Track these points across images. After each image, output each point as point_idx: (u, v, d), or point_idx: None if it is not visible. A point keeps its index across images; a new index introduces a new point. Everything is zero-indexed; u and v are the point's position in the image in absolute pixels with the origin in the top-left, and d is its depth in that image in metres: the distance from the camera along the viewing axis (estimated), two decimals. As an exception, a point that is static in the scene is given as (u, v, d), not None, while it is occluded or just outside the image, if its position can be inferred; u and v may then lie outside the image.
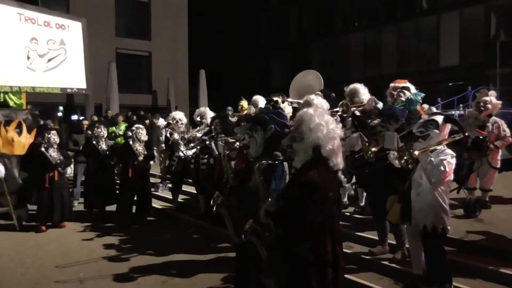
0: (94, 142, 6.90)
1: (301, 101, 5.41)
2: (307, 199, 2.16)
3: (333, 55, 26.32)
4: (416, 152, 3.23)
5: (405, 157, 3.23)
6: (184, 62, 21.56)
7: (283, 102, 6.11)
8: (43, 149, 6.21)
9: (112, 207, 7.04)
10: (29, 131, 7.04)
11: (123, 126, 9.84)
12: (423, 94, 4.74)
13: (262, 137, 2.89)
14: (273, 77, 29.71)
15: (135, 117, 12.03)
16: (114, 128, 9.95)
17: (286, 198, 2.30)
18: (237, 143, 4.32)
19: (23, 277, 4.56)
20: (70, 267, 4.81)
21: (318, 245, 2.20)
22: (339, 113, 5.09)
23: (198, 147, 6.19)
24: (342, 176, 5.19)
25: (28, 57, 8.19)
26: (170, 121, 7.07)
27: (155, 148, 8.34)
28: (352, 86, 5.46)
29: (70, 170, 7.72)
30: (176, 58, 20.84)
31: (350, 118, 5.21)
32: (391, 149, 3.73)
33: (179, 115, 7.12)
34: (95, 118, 10.17)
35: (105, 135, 7.10)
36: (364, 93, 5.35)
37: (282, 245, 2.27)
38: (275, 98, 6.32)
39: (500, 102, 5.51)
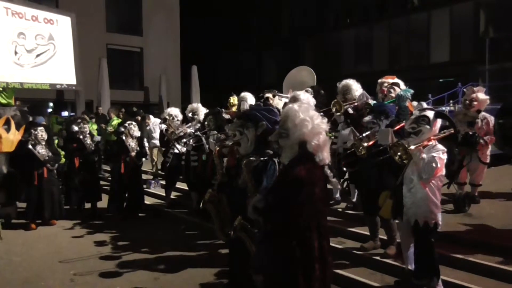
0: (81, 137, 6.85)
1: (291, 96, 5.40)
2: (294, 196, 2.15)
3: (324, 52, 26.35)
4: (412, 147, 3.24)
5: (399, 153, 3.24)
6: (176, 58, 21.41)
7: (274, 96, 6.10)
8: (30, 146, 6.12)
9: (103, 204, 6.99)
10: (17, 128, 6.93)
11: (115, 122, 9.74)
12: (412, 91, 4.77)
13: (253, 134, 2.87)
14: (265, 73, 29.68)
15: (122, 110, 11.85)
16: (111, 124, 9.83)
17: (273, 194, 2.29)
18: (227, 141, 4.31)
19: (12, 276, 4.50)
20: (61, 265, 4.76)
21: (305, 241, 2.19)
22: (332, 112, 5.11)
23: (191, 143, 6.16)
24: (329, 171, 5.20)
25: (16, 52, 8.07)
26: (166, 117, 7.02)
27: (146, 144, 8.30)
28: (344, 82, 5.45)
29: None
30: (168, 54, 20.69)
31: (342, 116, 5.22)
32: (385, 144, 3.74)
33: (175, 111, 7.07)
34: (86, 117, 10.07)
35: (88, 131, 7.07)
36: (356, 89, 5.35)
37: (269, 241, 2.26)
38: (267, 95, 6.31)
39: (487, 97, 5.55)
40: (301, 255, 2.17)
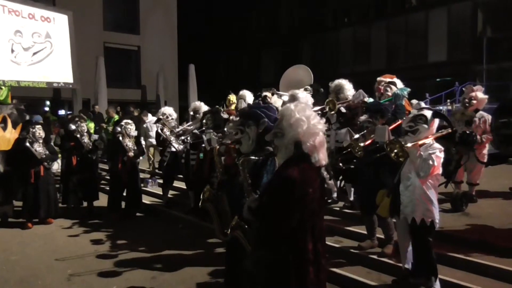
0: (78, 136, 6.83)
1: (290, 95, 5.40)
2: (285, 196, 2.12)
3: (323, 51, 26.38)
4: (409, 145, 3.23)
5: (395, 150, 3.24)
6: (173, 56, 21.38)
7: (272, 95, 6.10)
8: (27, 143, 6.10)
9: (100, 203, 6.97)
10: (14, 126, 6.90)
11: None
12: (409, 89, 4.79)
13: (255, 132, 2.85)
14: (263, 72, 29.66)
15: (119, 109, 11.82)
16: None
17: (267, 194, 2.27)
18: (225, 139, 4.30)
19: (9, 275, 4.48)
20: (58, 264, 4.74)
21: (298, 243, 2.15)
22: (325, 111, 5.11)
23: (190, 141, 6.14)
24: (325, 173, 5.20)
25: (13, 50, 8.03)
26: (161, 117, 7.00)
27: (143, 143, 8.27)
28: (337, 81, 5.48)
29: (57, 166, 7.61)
30: (166, 53, 20.65)
31: (334, 114, 5.22)
32: (382, 142, 3.74)
33: (169, 110, 7.07)
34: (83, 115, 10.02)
35: (86, 130, 7.05)
36: (349, 89, 5.40)
37: (263, 242, 2.23)
38: (265, 93, 6.31)
39: (486, 96, 5.56)
40: (294, 257, 2.14)
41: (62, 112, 18.05)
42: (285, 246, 2.15)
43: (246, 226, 2.50)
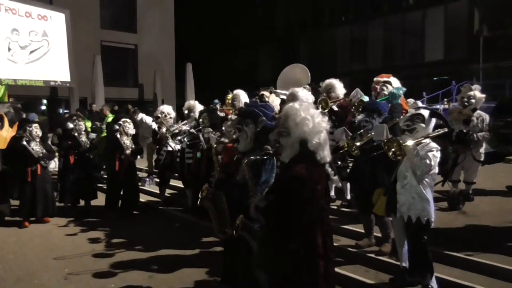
0: (76, 134, 6.82)
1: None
2: (295, 194, 2.17)
3: (320, 49, 26.39)
4: (409, 143, 3.24)
5: (393, 149, 3.24)
6: (170, 55, 21.34)
7: (270, 93, 6.10)
8: (24, 142, 6.07)
9: (97, 202, 6.96)
10: (11, 125, 6.88)
11: (110, 119, 9.66)
12: (405, 89, 4.81)
13: (253, 131, 2.87)
14: (260, 70, 29.65)
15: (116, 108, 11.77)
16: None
17: (275, 193, 2.31)
18: (222, 138, 4.30)
19: (6, 274, 4.47)
20: (54, 263, 4.73)
21: (309, 239, 2.21)
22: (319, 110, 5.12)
23: (186, 140, 6.14)
24: (330, 169, 5.21)
25: (9, 49, 8.01)
26: (159, 115, 7.00)
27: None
28: (327, 81, 5.50)
29: (54, 164, 7.59)
30: (163, 51, 20.61)
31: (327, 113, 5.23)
32: (380, 140, 3.75)
33: (167, 109, 7.06)
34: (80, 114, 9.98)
35: (84, 128, 7.03)
36: (339, 87, 5.42)
37: (272, 240, 2.27)
38: (263, 92, 6.31)
39: (484, 95, 5.58)
40: (305, 252, 2.19)
41: (59, 110, 17.98)
42: (296, 242, 2.19)
43: (251, 225, 2.52)
